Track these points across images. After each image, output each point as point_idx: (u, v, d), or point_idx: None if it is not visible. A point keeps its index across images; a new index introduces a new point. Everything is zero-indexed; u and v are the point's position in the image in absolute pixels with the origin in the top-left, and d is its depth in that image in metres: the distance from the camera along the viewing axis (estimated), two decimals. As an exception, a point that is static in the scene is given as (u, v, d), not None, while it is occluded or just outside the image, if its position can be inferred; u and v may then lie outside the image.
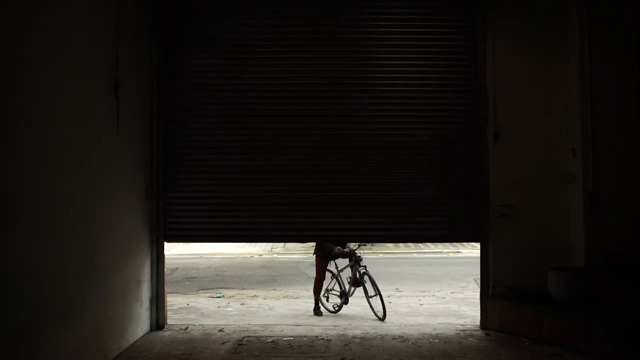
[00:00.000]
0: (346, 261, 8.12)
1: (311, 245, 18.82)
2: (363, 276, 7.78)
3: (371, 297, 7.58)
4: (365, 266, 7.86)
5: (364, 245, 8.23)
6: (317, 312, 7.91)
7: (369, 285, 7.67)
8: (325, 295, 8.18)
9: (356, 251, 7.98)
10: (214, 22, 6.91)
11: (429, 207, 6.81)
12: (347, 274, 8.18)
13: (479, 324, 6.77)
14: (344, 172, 6.85)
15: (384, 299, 7.47)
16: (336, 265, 8.26)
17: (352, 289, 8.00)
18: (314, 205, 6.87)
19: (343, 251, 7.89)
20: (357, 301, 8.08)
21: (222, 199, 6.88)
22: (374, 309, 7.52)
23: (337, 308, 7.97)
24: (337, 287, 8.16)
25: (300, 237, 7.53)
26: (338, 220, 6.91)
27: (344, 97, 6.89)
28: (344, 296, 8.02)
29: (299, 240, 7.55)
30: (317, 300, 8.00)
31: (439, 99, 6.87)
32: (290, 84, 6.88)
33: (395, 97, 6.86)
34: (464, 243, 19.08)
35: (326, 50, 6.92)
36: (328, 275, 8.18)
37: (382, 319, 7.29)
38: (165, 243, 6.93)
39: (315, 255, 8.29)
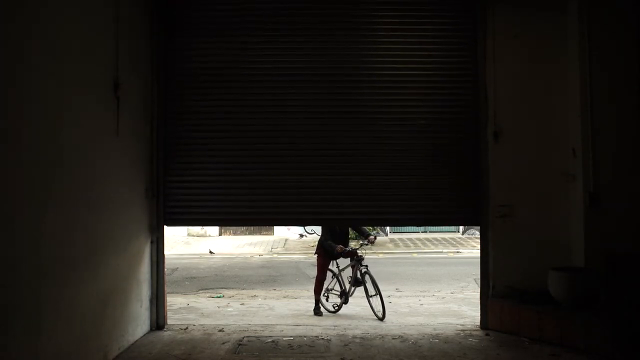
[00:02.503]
0: (347, 260, 8.12)
1: (311, 245, 18.92)
2: (364, 276, 7.73)
3: (371, 296, 7.57)
4: (366, 266, 7.82)
5: (365, 244, 8.20)
6: (317, 312, 7.91)
7: (369, 285, 7.65)
8: (325, 295, 8.14)
9: (357, 250, 7.97)
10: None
11: (429, 190, 6.79)
12: (347, 273, 8.19)
13: (479, 324, 6.76)
14: (345, 155, 6.83)
15: (384, 299, 7.47)
16: (337, 264, 8.26)
17: (353, 288, 8.00)
18: (315, 189, 6.84)
19: (345, 250, 7.88)
20: (357, 301, 8.08)
21: (223, 183, 6.87)
22: (374, 308, 7.51)
23: (336, 308, 7.97)
24: (337, 287, 8.15)
25: (301, 220, 7.53)
26: (339, 203, 6.88)
27: (343, 82, 6.86)
28: (344, 296, 8.00)
29: (299, 223, 7.59)
30: (318, 301, 8.00)
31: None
32: (289, 68, 6.86)
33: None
34: (464, 243, 19.13)
35: (326, 37, 6.90)
36: (329, 274, 8.17)
37: (382, 318, 7.29)
38: (166, 244, 6.94)
39: (316, 254, 8.29)
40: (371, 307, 7.56)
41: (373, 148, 6.82)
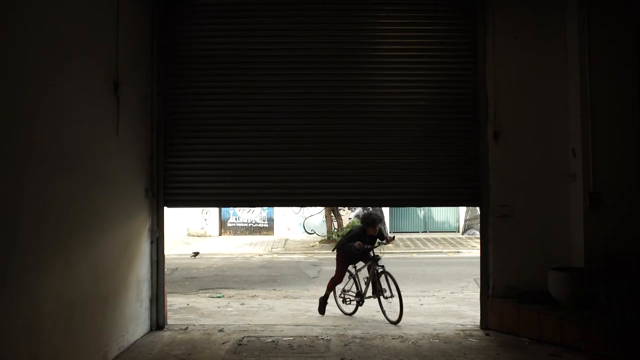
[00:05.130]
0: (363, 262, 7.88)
1: (311, 245, 18.90)
2: (380, 275, 7.46)
3: (387, 297, 7.34)
4: (383, 266, 7.52)
5: (384, 243, 7.88)
6: (321, 309, 7.75)
7: (384, 285, 7.39)
8: (342, 296, 7.92)
9: (374, 250, 7.69)
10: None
11: (429, 172, 6.82)
12: (365, 273, 7.89)
13: (479, 324, 6.76)
14: (345, 136, 6.84)
15: (403, 301, 7.14)
16: (354, 264, 8.01)
17: (369, 289, 7.72)
18: (315, 170, 6.86)
19: (364, 247, 7.52)
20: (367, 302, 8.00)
21: (223, 164, 6.90)
22: (385, 310, 7.29)
23: (353, 310, 7.74)
24: (354, 288, 7.90)
25: (301, 201, 7.48)
26: (339, 184, 6.90)
27: (342, 70, 6.90)
28: (360, 297, 7.74)
29: (299, 204, 7.57)
30: (326, 297, 7.80)
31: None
32: (290, 49, 6.89)
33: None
34: (464, 243, 19.13)
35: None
36: (345, 275, 7.96)
37: (396, 322, 7.03)
38: (166, 244, 6.96)
39: (336, 254, 8.01)
40: (382, 308, 7.36)
41: (374, 128, 6.84)
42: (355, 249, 7.51)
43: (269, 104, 6.86)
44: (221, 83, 6.90)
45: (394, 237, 8.23)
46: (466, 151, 6.80)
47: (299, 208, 21.83)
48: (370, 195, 7.05)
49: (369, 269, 7.71)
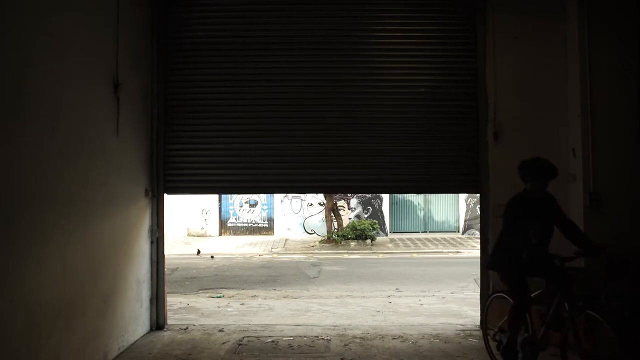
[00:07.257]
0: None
1: (311, 245, 18.84)
2: (578, 315, 4.29)
3: None
4: (581, 300, 4.31)
5: (588, 251, 4.62)
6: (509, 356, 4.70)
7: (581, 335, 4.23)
8: (497, 337, 5.02)
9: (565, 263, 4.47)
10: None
11: (430, 159, 6.85)
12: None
13: (479, 324, 6.75)
14: (344, 124, 6.85)
15: None
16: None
17: (547, 333, 4.54)
18: (315, 157, 6.86)
19: (539, 244, 4.49)
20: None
21: (222, 152, 6.90)
22: None
23: None
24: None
25: (302, 188, 7.44)
26: (339, 171, 6.90)
27: (342, 56, 6.90)
28: (530, 346, 4.55)
29: (298, 191, 7.55)
30: (512, 342, 4.76)
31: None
32: (289, 37, 6.89)
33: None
34: (464, 243, 19.14)
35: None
36: (500, 303, 5.11)
37: None
38: (166, 244, 6.96)
39: (499, 275, 5.04)
40: None
41: (371, 119, 6.84)
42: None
43: (268, 92, 6.86)
44: (221, 70, 6.90)
45: (605, 245, 4.68)
46: (467, 139, 6.81)
47: (299, 208, 21.84)
48: (368, 182, 7.05)
49: (551, 297, 4.51)
